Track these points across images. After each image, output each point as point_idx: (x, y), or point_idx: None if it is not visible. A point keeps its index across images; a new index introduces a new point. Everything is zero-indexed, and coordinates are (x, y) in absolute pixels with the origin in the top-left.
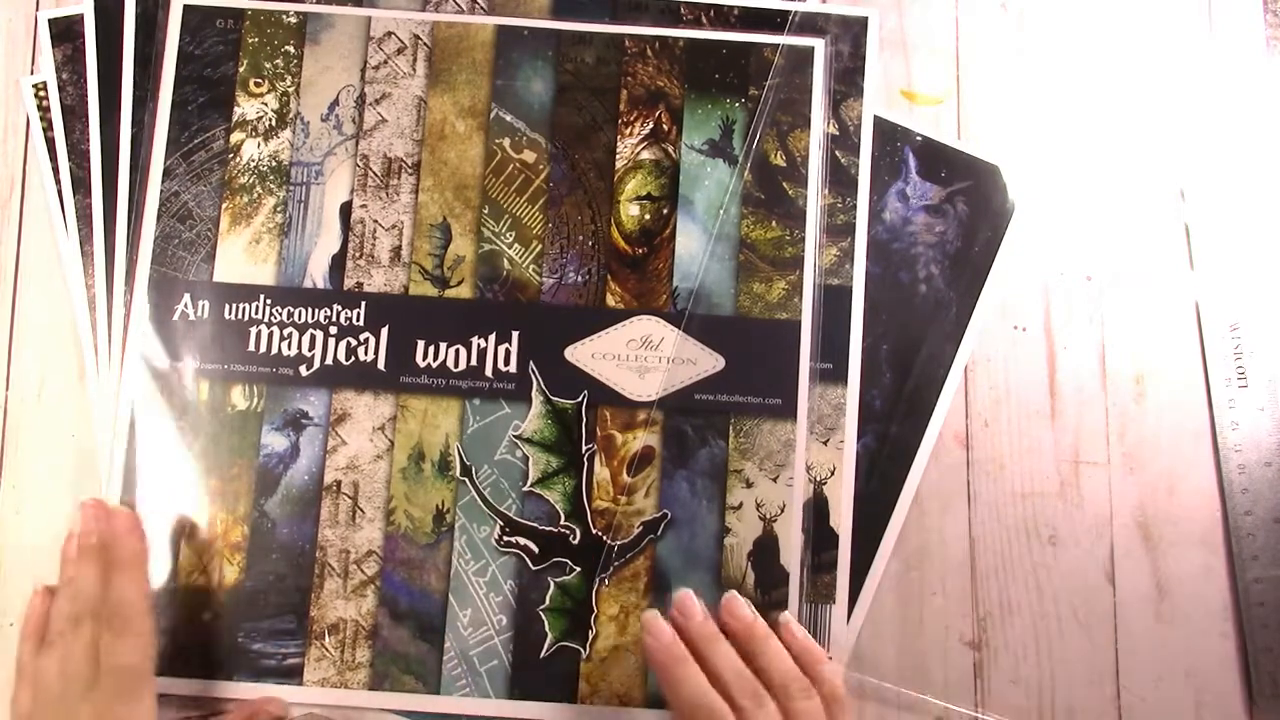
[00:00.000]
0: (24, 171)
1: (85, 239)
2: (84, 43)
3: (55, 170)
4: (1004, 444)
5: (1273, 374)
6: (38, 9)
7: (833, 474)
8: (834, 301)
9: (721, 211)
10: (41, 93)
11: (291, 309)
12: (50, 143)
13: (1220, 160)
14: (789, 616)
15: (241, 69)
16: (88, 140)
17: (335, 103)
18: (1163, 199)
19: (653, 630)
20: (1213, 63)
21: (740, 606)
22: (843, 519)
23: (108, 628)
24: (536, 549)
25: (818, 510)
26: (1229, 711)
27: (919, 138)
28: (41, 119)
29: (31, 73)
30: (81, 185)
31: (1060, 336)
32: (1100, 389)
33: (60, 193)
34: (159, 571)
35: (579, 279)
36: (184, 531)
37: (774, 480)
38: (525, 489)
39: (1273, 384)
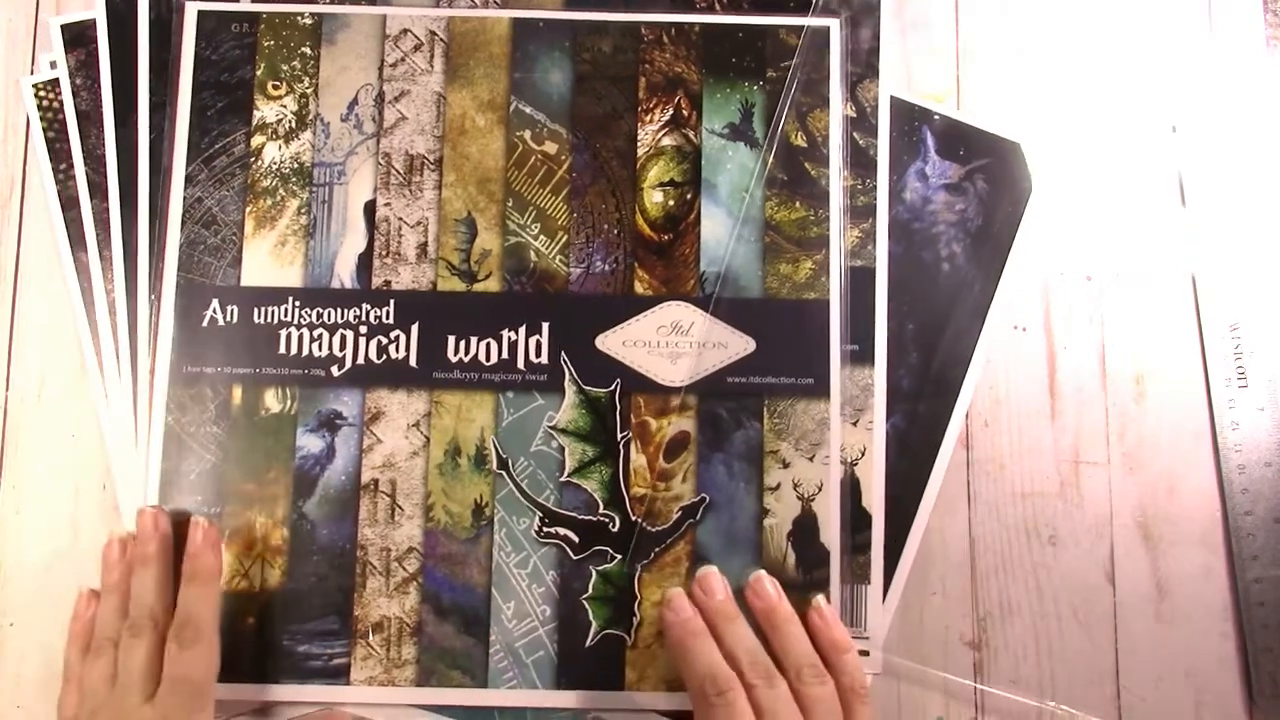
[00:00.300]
0: (24, 171)
1: (103, 244)
2: (97, 48)
3: (70, 175)
4: (1004, 444)
5: (1273, 374)
6: (38, 9)
7: (863, 455)
8: (858, 283)
9: (746, 194)
10: (42, 93)
11: (320, 310)
12: (50, 144)
13: (1220, 160)
14: (822, 601)
15: (259, 72)
16: (103, 145)
17: (354, 102)
18: (1162, 199)
19: (674, 605)
20: (1213, 63)
21: (765, 586)
22: (875, 499)
23: (175, 639)
24: (576, 538)
25: (851, 491)
26: (1229, 711)
27: (937, 117)
28: (42, 119)
29: (31, 73)
30: (98, 190)
31: (1060, 336)
32: (1100, 389)
33: (78, 198)
34: None
35: (606, 268)
36: (224, 537)
37: (810, 459)
38: (562, 479)
39: (1273, 384)
